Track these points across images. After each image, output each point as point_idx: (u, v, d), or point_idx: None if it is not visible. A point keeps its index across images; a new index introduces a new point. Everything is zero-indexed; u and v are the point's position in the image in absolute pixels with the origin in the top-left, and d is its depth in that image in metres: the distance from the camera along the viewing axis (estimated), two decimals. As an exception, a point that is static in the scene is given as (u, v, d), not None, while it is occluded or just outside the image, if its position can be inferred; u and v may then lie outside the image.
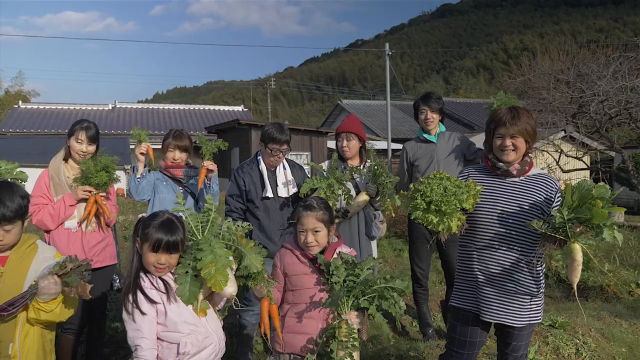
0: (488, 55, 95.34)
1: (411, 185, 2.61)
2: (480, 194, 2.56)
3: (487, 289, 2.59)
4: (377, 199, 3.71)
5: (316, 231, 2.46)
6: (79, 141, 3.31)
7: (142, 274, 2.14)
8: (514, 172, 2.59)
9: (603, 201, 2.29)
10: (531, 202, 2.54)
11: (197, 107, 30.14)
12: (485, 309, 2.59)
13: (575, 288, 2.56)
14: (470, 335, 2.67)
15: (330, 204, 3.45)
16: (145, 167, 3.48)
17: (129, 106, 29.10)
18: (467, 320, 2.67)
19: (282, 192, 3.65)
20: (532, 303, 2.57)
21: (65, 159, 3.35)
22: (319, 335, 2.36)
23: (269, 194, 3.56)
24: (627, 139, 17.18)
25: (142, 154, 3.45)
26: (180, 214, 2.23)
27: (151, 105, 30.23)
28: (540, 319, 2.63)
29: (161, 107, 29.70)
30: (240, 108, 30.35)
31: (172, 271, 2.19)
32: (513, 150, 2.57)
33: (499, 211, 2.58)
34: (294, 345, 2.43)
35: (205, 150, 3.56)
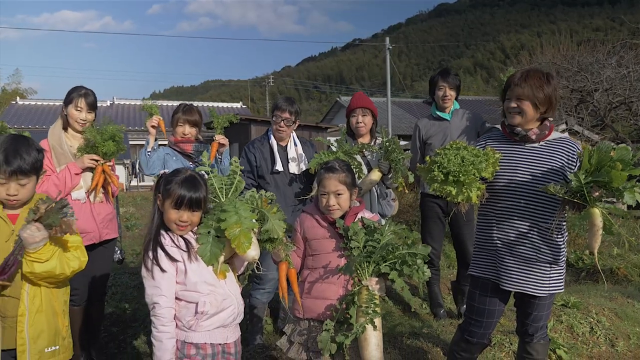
0: (485, 54, 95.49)
1: (427, 158, 2.57)
2: (499, 162, 2.51)
3: (507, 257, 2.54)
4: (390, 176, 3.66)
5: (338, 194, 2.40)
6: (78, 109, 3.22)
7: (162, 232, 2.08)
8: (533, 137, 2.51)
9: (623, 163, 2.21)
10: (551, 167, 2.47)
11: (196, 103, 29.97)
12: (505, 277, 2.54)
13: (596, 255, 2.50)
14: (489, 304, 2.62)
15: None
16: (155, 140, 3.42)
17: (128, 102, 28.96)
18: (486, 289, 2.62)
19: (293, 168, 3.62)
20: (552, 272, 2.50)
21: (65, 128, 3.27)
22: (338, 301, 2.30)
23: (279, 167, 3.54)
24: (627, 135, 17.19)
25: (153, 126, 3.38)
26: (204, 173, 2.17)
27: (151, 102, 30.09)
28: (561, 289, 2.58)
29: (160, 103, 29.55)
30: (239, 105, 30.24)
31: (193, 230, 2.13)
32: (518, 113, 2.49)
33: (518, 178, 2.51)
34: (313, 310, 2.37)
35: (216, 123, 3.50)
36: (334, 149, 3.61)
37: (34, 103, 26.75)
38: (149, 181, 17.62)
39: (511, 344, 3.39)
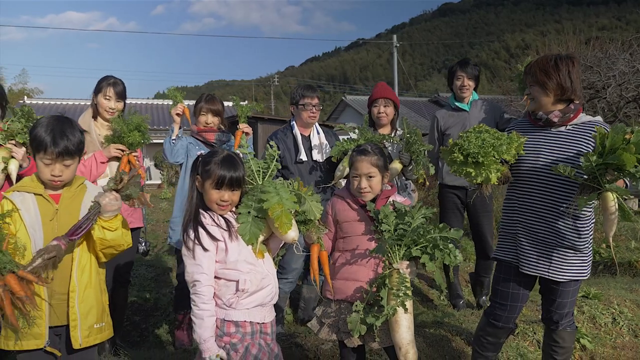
0: (490, 54, 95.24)
1: (450, 140, 2.58)
2: (524, 146, 2.51)
3: (526, 240, 2.55)
4: (410, 167, 3.66)
5: (370, 176, 2.41)
6: (107, 98, 3.26)
7: (202, 211, 2.10)
8: (555, 120, 2.51)
9: (638, 147, 2.17)
10: (578, 150, 2.45)
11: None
12: (524, 260, 2.54)
13: (611, 242, 2.46)
14: (513, 287, 2.63)
15: None
16: (180, 128, 3.43)
17: (134, 101, 29.04)
18: (510, 273, 2.63)
19: (317, 156, 3.64)
20: (574, 258, 2.49)
21: (94, 117, 3.30)
22: (368, 283, 2.31)
23: (303, 156, 3.55)
24: None
25: (177, 114, 3.40)
26: (239, 152, 2.19)
27: (156, 101, 30.17)
28: (586, 275, 2.56)
29: (166, 103, 29.65)
30: (244, 104, 30.27)
31: (232, 210, 2.15)
32: (532, 99, 2.51)
33: (541, 161, 2.52)
34: (344, 292, 2.39)
35: (240, 112, 3.52)
36: (354, 136, 3.62)
37: (40, 102, 26.88)
38: (157, 179, 17.66)
39: (534, 333, 3.39)
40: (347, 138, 3.56)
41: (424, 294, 4.68)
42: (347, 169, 3.46)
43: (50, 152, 2.00)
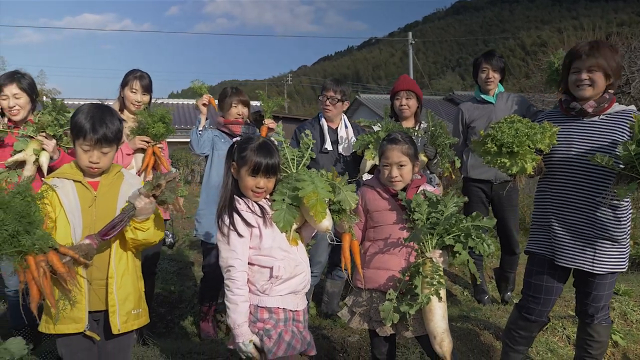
0: (505, 51, 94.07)
1: (481, 132, 2.55)
2: (556, 136, 2.47)
3: (561, 232, 2.50)
4: (435, 161, 3.63)
5: (401, 165, 2.40)
6: (133, 91, 3.30)
7: (237, 198, 2.11)
8: (590, 110, 2.47)
9: None
10: (611, 140, 2.41)
11: (216, 101, 30.14)
12: (560, 253, 2.50)
13: None
14: (546, 281, 2.59)
15: (375, 162, 3.41)
16: (207, 119, 3.45)
17: (149, 101, 29.22)
18: (543, 266, 2.59)
19: (342, 150, 3.64)
20: (611, 249, 2.45)
21: (121, 110, 3.33)
22: (401, 272, 2.30)
23: (328, 146, 3.57)
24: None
25: (204, 104, 3.41)
26: (274, 140, 2.20)
27: (171, 100, 30.38)
28: (623, 267, 2.51)
29: (180, 102, 29.83)
30: (258, 103, 30.35)
31: (267, 197, 2.15)
32: (589, 85, 2.43)
33: (574, 152, 2.48)
34: (375, 281, 2.38)
35: (266, 107, 3.53)
36: (376, 129, 3.60)
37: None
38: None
39: (564, 328, 3.35)
40: (369, 132, 3.56)
41: (447, 290, 4.64)
42: (371, 162, 3.45)
43: (89, 139, 2.03)
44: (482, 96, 4.04)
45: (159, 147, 3.28)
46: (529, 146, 2.34)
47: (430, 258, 2.26)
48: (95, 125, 2.03)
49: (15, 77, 3.02)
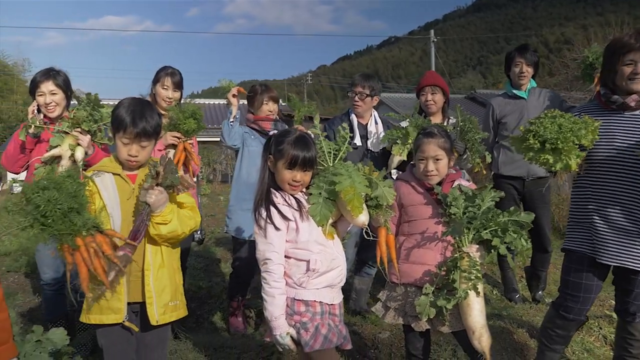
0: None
1: (521, 127, 2.50)
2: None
3: (604, 230, 2.44)
4: (465, 156, 3.58)
5: (437, 159, 2.37)
6: (165, 87, 3.34)
7: (273, 191, 2.11)
8: (632, 104, 2.40)
9: None
10: None
11: (241, 102, 30.31)
12: (602, 251, 2.44)
13: None
14: (586, 279, 2.52)
15: (403, 158, 3.38)
16: (238, 110, 3.46)
17: (172, 100, 29.50)
18: (582, 263, 2.53)
19: (372, 145, 3.62)
20: None
21: None
22: (437, 266, 2.27)
23: (357, 141, 3.55)
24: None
25: (234, 95, 3.43)
26: (310, 133, 2.19)
27: (193, 100, 30.65)
28: None
29: (202, 102, 30.13)
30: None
31: (303, 190, 2.15)
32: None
33: (617, 147, 2.41)
34: (411, 275, 2.36)
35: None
36: (404, 124, 3.58)
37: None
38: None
39: (600, 328, 3.27)
40: (396, 128, 3.53)
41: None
42: (398, 158, 3.42)
43: (129, 132, 2.05)
44: (514, 91, 3.97)
45: (189, 143, 3.31)
46: (573, 142, 2.28)
47: (467, 253, 2.24)
48: (135, 119, 2.05)
49: (51, 74, 3.08)
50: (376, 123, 3.68)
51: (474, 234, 2.27)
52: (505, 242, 2.25)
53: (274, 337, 2.04)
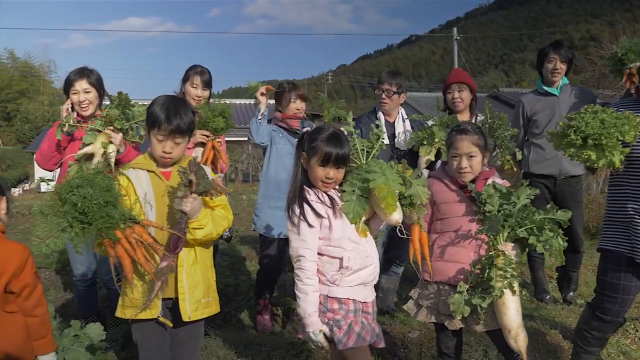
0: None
1: (560, 123, 2.44)
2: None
3: None
4: (494, 153, 3.52)
5: (471, 156, 2.34)
6: (194, 86, 3.37)
7: (306, 188, 2.10)
8: None
9: None
10: None
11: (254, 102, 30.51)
12: None
13: None
14: (624, 279, 2.46)
15: (431, 158, 3.34)
16: (267, 108, 3.47)
17: (192, 101, 29.79)
18: (620, 264, 2.46)
19: (399, 144, 3.59)
20: None
21: None
22: (471, 265, 2.23)
23: (385, 140, 3.50)
24: None
25: (262, 94, 3.44)
26: (343, 130, 2.18)
27: (215, 100, 30.92)
28: None
29: (224, 102, 30.32)
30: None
31: (336, 188, 2.14)
32: None
33: None
34: (444, 273, 2.33)
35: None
36: (430, 123, 3.54)
37: (107, 103, 28.25)
38: (217, 175, 18.08)
39: (637, 330, 3.20)
40: (422, 128, 3.49)
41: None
42: (426, 158, 3.38)
43: (164, 129, 2.07)
44: (545, 88, 3.89)
45: (218, 142, 3.33)
46: (617, 138, 2.23)
47: (503, 251, 2.20)
48: (169, 116, 2.07)
49: (85, 72, 3.13)
50: (403, 121, 3.65)
51: (509, 232, 2.23)
52: (541, 241, 2.21)
53: (307, 334, 2.04)
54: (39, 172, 22.09)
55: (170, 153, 2.11)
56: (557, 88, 3.86)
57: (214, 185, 2.02)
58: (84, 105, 3.11)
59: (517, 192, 2.28)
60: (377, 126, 2.30)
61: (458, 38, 17.62)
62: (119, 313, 2.13)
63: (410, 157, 3.57)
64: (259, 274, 3.70)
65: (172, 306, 2.15)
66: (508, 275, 2.16)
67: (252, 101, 30.18)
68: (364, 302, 2.12)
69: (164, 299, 2.10)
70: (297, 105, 3.54)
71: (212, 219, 2.08)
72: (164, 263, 1.96)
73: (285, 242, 3.50)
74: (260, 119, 3.40)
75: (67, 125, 2.99)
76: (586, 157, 2.31)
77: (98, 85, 3.16)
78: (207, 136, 3.27)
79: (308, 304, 2.01)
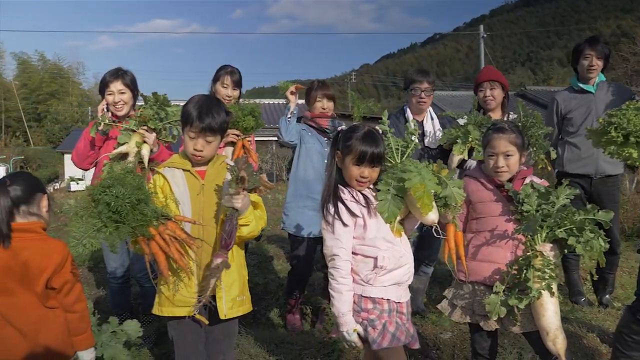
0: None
1: (600, 119, 2.38)
2: None
3: None
4: (527, 152, 3.45)
5: (508, 155, 2.29)
6: (225, 86, 3.40)
7: (341, 187, 2.09)
8: None
9: None
10: None
11: (281, 101, 30.72)
12: None
13: None
14: None
15: (464, 157, 3.28)
16: (296, 107, 3.48)
17: (219, 101, 30.11)
18: None
19: (429, 143, 3.55)
20: None
21: None
22: (508, 265, 2.19)
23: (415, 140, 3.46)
24: None
25: (292, 92, 3.45)
26: (378, 129, 2.16)
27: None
28: None
29: (253, 101, 30.50)
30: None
31: (371, 187, 2.12)
32: None
33: None
34: (479, 273, 2.29)
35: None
36: (462, 122, 3.48)
37: (139, 103, 28.79)
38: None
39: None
40: (454, 127, 3.44)
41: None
42: (459, 157, 3.33)
43: (195, 126, 2.09)
44: (581, 85, 3.79)
45: (248, 141, 3.35)
46: None
47: (541, 251, 2.15)
48: (202, 114, 2.09)
49: (119, 73, 3.19)
50: (432, 119, 3.61)
51: (548, 232, 2.18)
52: (581, 242, 2.15)
53: (341, 333, 2.03)
54: (68, 171, 22.66)
55: (201, 151, 2.13)
56: (593, 85, 3.75)
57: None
58: (119, 106, 3.17)
59: (556, 191, 2.23)
60: (412, 125, 2.27)
61: (484, 36, 17.33)
62: (155, 310, 2.15)
63: (441, 156, 3.53)
64: (289, 274, 3.71)
65: (208, 304, 2.16)
66: (546, 277, 2.11)
67: (277, 101, 30.43)
68: (398, 302, 2.09)
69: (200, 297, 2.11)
70: (322, 104, 3.53)
71: (255, 217, 2.11)
72: (219, 259, 1.98)
73: (314, 241, 3.50)
74: (289, 118, 3.40)
75: (102, 124, 3.05)
76: (627, 155, 2.26)
77: (132, 85, 3.22)
78: (238, 135, 3.29)
79: (342, 303, 2.00)
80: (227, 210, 2.02)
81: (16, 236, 1.94)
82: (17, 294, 1.93)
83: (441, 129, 3.58)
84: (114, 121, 3.14)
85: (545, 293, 2.11)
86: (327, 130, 3.56)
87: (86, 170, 3.35)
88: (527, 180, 2.33)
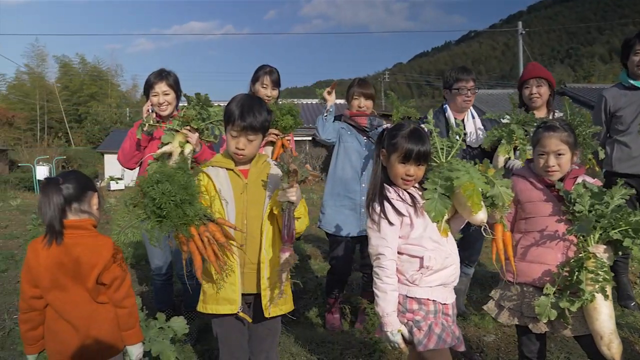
0: (623, 39, 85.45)
1: None
2: None
3: None
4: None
5: (559, 154, 2.22)
6: (264, 86, 3.42)
7: (387, 186, 2.07)
8: None
9: None
10: None
11: (314, 101, 30.80)
12: None
13: None
14: None
15: (510, 156, 3.19)
16: (333, 105, 3.47)
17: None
18: None
19: (471, 142, 3.48)
20: None
21: None
22: (559, 266, 2.12)
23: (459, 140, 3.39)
24: None
25: (328, 92, 3.44)
26: (424, 127, 2.13)
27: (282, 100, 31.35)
28: None
29: (291, 101, 30.67)
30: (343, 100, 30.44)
31: (416, 186, 2.10)
32: None
33: None
34: (528, 275, 2.23)
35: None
36: (505, 121, 3.39)
37: (181, 104, 29.39)
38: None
39: None
40: (499, 125, 3.35)
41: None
42: (503, 157, 3.25)
43: (237, 125, 2.12)
44: (631, 82, 3.64)
45: (287, 140, 3.37)
46: None
47: (594, 253, 2.07)
48: (243, 113, 2.11)
49: (163, 75, 3.25)
50: (473, 118, 3.53)
51: (601, 234, 2.10)
52: (637, 244, 2.06)
53: (385, 333, 2.01)
54: (108, 170, 23.31)
55: (243, 149, 2.14)
56: (645, 82, 3.59)
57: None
58: (163, 107, 3.23)
59: (610, 191, 2.14)
60: (458, 125, 2.23)
61: (523, 32, 16.88)
62: (200, 308, 2.18)
63: (483, 155, 3.45)
64: (328, 274, 3.70)
65: (251, 302, 2.18)
66: (600, 279, 2.04)
67: (310, 101, 30.47)
68: (444, 304, 2.05)
69: (244, 295, 2.13)
70: (359, 103, 3.50)
71: (304, 212, 2.12)
72: (286, 254, 2.00)
73: (353, 240, 3.48)
74: (326, 116, 3.40)
75: (147, 125, 3.12)
76: None
77: (176, 86, 3.28)
78: (277, 134, 3.31)
79: (387, 303, 1.97)
80: (282, 205, 2.03)
81: (68, 233, 2.00)
82: (69, 289, 1.99)
83: (482, 128, 3.50)
84: (157, 121, 3.21)
85: (599, 296, 2.04)
86: (365, 129, 3.54)
87: (132, 169, 3.43)
88: (579, 180, 2.25)
